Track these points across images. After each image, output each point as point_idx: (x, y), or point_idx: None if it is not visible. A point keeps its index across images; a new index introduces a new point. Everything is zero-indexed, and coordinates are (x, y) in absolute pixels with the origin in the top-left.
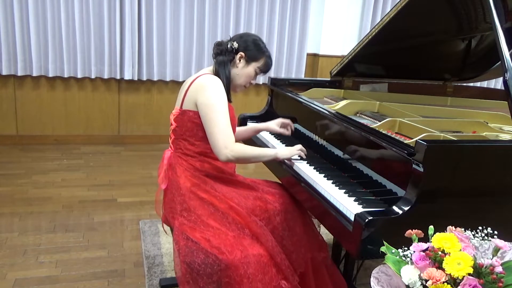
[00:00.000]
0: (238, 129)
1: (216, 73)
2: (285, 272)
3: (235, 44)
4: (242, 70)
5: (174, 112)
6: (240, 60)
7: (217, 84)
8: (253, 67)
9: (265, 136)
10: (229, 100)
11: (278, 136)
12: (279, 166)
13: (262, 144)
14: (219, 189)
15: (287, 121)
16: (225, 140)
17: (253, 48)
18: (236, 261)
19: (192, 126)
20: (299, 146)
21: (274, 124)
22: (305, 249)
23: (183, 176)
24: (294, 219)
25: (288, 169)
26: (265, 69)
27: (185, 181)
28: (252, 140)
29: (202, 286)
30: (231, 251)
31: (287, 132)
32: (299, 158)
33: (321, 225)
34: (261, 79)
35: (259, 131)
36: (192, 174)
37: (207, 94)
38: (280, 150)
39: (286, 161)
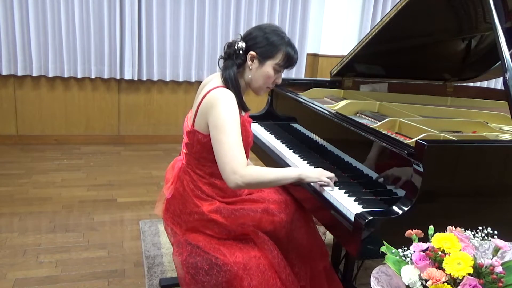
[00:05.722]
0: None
1: (224, 81)
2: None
3: (242, 44)
4: (257, 72)
5: (187, 122)
6: (252, 61)
7: (228, 100)
8: (269, 65)
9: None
10: (245, 109)
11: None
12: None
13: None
14: (225, 209)
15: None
16: (232, 164)
17: (264, 44)
18: (240, 271)
19: (202, 150)
20: (329, 173)
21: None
22: (306, 258)
23: (190, 196)
24: (299, 228)
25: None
26: (287, 64)
27: (191, 201)
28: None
29: None
30: (234, 256)
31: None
32: (326, 184)
33: (327, 233)
34: None
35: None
36: (199, 195)
37: (216, 114)
38: (305, 171)
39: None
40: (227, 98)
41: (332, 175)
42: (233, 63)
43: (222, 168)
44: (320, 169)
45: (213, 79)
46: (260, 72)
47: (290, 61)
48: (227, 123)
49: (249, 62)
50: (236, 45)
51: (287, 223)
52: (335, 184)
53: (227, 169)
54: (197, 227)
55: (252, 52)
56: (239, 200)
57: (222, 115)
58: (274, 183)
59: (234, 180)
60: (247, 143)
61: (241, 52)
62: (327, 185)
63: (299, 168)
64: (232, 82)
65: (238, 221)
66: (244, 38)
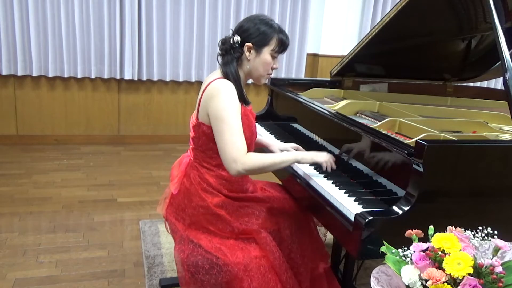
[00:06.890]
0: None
1: (225, 75)
2: None
3: (237, 38)
4: (256, 61)
5: (193, 117)
6: (250, 52)
7: (228, 90)
8: (266, 52)
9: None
10: (246, 103)
11: (279, 136)
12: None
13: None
14: (230, 205)
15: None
16: (232, 153)
17: (257, 33)
18: (241, 272)
19: (207, 141)
20: (322, 157)
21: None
22: (307, 259)
23: (196, 190)
24: (302, 230)
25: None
26: (281, 48)
27: (197, 195)
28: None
29: None
30: (235, 256)
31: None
32: (319, 172)
33: (327, 234)
34: None
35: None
36: (205, 188)
37: (215, 104)
38: (301, 154)
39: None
40: (227, 88)
41: (326, 158)
42: (232, 58)
43: (224, 157)
44: (314, 152)
45: (214, 76)
46: (259, 60)
47: (283, 45)
48: (226, 113)
49: (246, 53)
50: (232, 39)
51: (291, 224)
52: (333, 178)
53: (228, 158)
54: (201, 221)
55: (248, 43)
56: (245, 197)
57: (221, 105)
58: (273, 167)
59: (235, 168)
60: (251, 133)
61: (237, 45)
62: (320, 170)
63: (295, 151)
64: (233, 76)
65: (242, 218)
66: (237, 32)
